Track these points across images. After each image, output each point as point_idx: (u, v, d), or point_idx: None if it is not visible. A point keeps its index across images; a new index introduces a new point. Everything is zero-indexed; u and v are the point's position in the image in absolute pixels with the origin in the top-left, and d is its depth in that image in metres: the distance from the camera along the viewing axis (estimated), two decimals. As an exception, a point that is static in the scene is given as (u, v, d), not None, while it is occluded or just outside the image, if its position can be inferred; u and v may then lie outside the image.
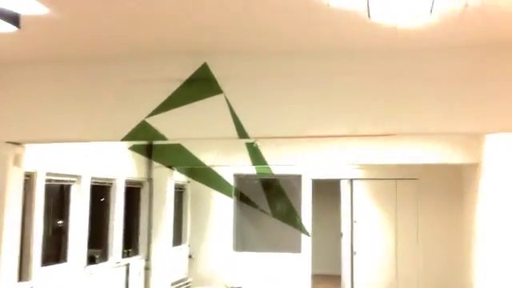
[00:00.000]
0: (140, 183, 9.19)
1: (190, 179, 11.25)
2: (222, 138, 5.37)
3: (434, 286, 10.25)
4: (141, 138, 5.25)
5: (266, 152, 8.92)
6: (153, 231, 9.14)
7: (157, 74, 5.08)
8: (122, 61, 5.11)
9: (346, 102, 4.81)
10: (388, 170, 10.69)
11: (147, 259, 9.11)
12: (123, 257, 8.50)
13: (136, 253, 9.08)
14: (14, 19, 3.81)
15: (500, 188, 7.35)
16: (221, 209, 11.26)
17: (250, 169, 11.03)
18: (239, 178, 11.68)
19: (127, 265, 8.49)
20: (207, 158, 9.10)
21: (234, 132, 5.00)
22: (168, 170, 9.26)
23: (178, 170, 10.54)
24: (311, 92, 4.87)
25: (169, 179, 9.29)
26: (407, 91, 4.68)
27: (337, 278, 11.94)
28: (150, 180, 9.25)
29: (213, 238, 11.19)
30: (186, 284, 10.96)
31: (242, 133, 5.00)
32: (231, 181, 11.30)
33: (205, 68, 5.00)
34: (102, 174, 7.84)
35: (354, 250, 10.77)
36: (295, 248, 11.11)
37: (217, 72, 4.95)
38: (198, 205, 11.27)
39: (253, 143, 8.88)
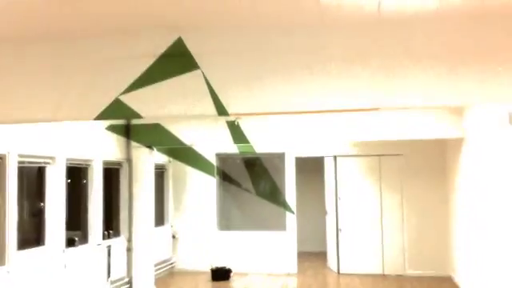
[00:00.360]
0: (119, 164, 8.99)
1: (171, 159, 11.07)
2: (199, 116, 5.19)
3: (419, 261, 10.24)
4: (114, 117, 5.05)
5: (248, 130, 8.76)
6: (133, 212, 8.97)
7: (130, 49, 4.85)
8: (92, 37, 4.87)
9: (329, 75, 4.64)
10: (372, 147, 10.59)
11: (129, 240, 8.96)
12: (104, 238, 8.33)
13: (117, 234, 8.91)
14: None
15: (482, 162, 7.28)
16: (203, 188, 11.12)
17: (232, 148, 10.88)
18: (221, 157, 11.52)
19: (108, 246, 8.32)
20: (187, 137, 8.91)
21: (212, 109, 4.82)
22: (147, 150, 9.06)
23: (159, 150, 10.37)
24: (293, 67, 4.68)
25: (148, 159, 9.10)
26: (390, 64, 4.52)
27: (322, 255, 11.91)
28: (128, 160, 9.05)
29: (196, 217, 11.06)
30: (170, 264, 10.86)
31: (221, 110, 4.81)
32: (213, 160, 11.13)
33: (180, 43, 4.78)
34: (78, 154, 7.63)
35: (339, 227, 10.71)
36: (280, 226, 11.02)
37: (193, 47, 4.74)
38: (180, 185, 11.11)
39: (234, 121, 8.71)
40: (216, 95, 4.77)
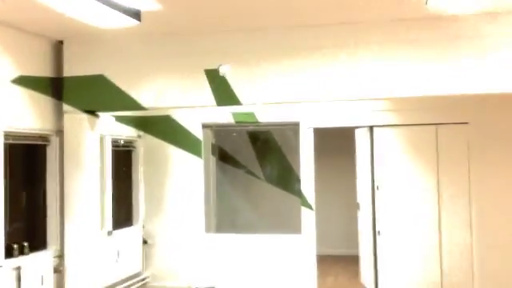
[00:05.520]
0: (43, 138, 5.88)
1: (142, 132, 7.94)
2: None
3: (495, 279, 7.00)
4: None
5: (241, 86, 5.59)
6: (67, 212, 5.90)
7: None
8: None
9: None
10: (424, 112, 7.34)
11: (59, 256, 5.89)
12: (11, 255, 5.30)
13: (42, 247, 5.85)
14: None
15: None
16: (187, 174, 7.96)
17: (224, 116, 7.77)
18: (213, 129, 8.39)
19: (18, 268, 5.28)
20: (146, 96, 5.78)
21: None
22: (86, 116, 5.93)
23: (119, 120, 7.26)
24: None
25: (89, 131, 5.98)
26: None
27: (352, 261, 8.79)
28: (59, 133, 5.95)
29: (177, 215, 7.92)
30: (142, 281, 7.80)
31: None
32: (199, 134, 7.95)
33: None
34: None
35: (378, 228, 7.49)
36: (293, 226, 7.86)
37: None
38: (155, 169, 7.97)
39: (217, 69, 5.56)
40: None
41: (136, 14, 4.71)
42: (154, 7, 4.65)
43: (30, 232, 5.83)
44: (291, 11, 4.99)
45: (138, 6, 4.67)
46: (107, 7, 4.37)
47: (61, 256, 5.87)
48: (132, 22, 4.76)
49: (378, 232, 7.47)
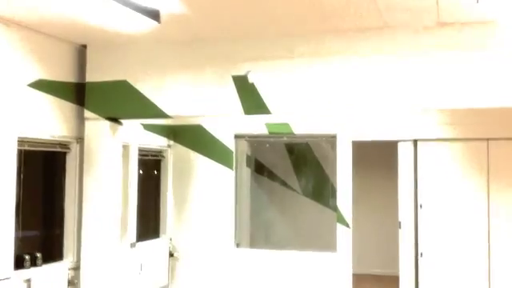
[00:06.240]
0: (62, 145, 5.62)
1: (172, 142, 7.64)
2: None
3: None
4: None
5: (272, 94, 5.19)
6: (84, 221, 5.61)
7: None
8: None
9: None
10: (473, 126, 6.77)
11: (75, 268, 5.61)
12: (22, 267, 5.04)
13: (57, 258, 5.58)
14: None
15: None
16: (218, 185, 7.59)
17: (258, 127, 7.39)
18: (246, 140, 8.02)
19: (28, 280, 5.01)
20: (171, 104, 5.45)
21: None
22: (110, 123, 5.65)
23: (148, 128, 7.00)
24: None
25: (112, 139, 5.69)
26: None
27: (390, 280, 8.20)
28: (80, 140, 5.69)
29: (206, 228, 7.56)
30: (167, 295, 7.49)
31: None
32: (231, 144, 7.57)
33: None
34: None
35: (420, 249, 6.93)
36: (330, 243, 7.37)
37: None
38: (184, 179, 7.65)
39: (245, 75, 5.18)
40: None
41: (155, 15, 4.39)
42: (177, 10, 4.32)
43: (45, 242, 5.59)
44: (325, 16, 4.57)
45: (160, 7, 4.35)
46: (125, 7, 4.09)
47: (77, 268, 5.58)
48: (151, 24, 4.46)
49: (421, 254, 6.90)
